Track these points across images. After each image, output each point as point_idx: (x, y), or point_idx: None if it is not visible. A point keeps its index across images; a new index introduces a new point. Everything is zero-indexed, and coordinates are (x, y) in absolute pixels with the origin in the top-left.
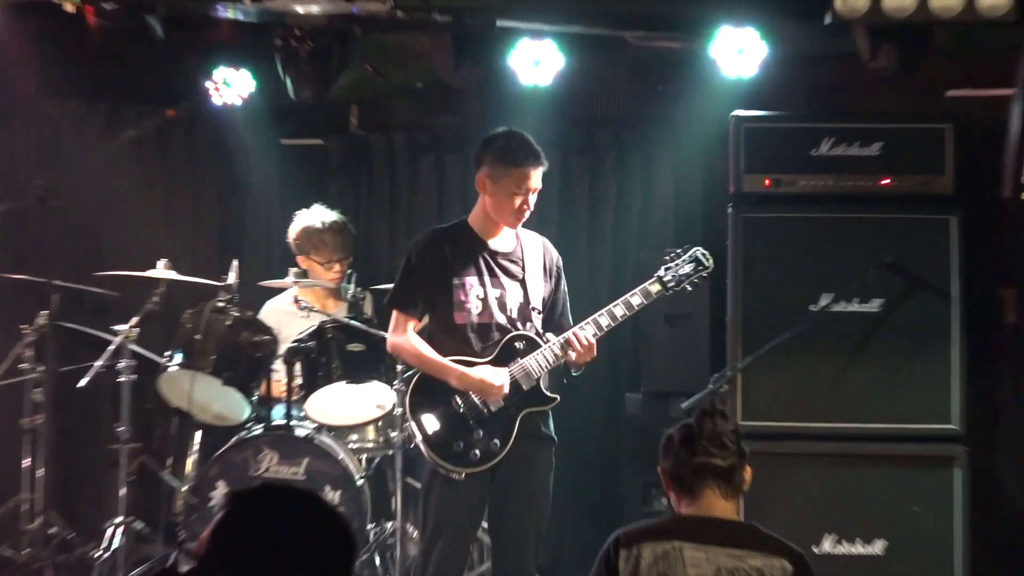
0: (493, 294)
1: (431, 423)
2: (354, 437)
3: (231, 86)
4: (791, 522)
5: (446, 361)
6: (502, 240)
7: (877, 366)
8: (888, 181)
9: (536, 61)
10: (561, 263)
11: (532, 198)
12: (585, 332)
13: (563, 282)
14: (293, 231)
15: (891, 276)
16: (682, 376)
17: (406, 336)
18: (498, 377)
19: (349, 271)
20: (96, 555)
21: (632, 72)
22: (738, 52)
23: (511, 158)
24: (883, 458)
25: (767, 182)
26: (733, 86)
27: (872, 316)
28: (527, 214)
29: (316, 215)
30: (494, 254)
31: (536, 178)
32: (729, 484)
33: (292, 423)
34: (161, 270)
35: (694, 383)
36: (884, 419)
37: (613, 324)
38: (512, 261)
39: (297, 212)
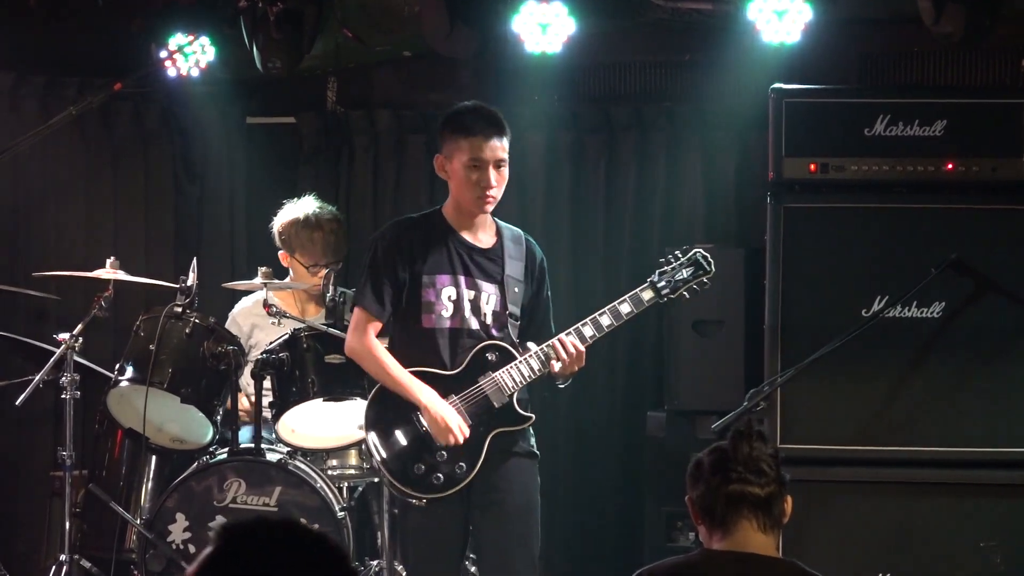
0: (467, 295)
1: (390, 442)
2: (334, 463)
3: (188, 56)
4: (838, 559)
5: (410, 381)
6: (479, 234)
7: (938, 381)
8: (953, 166)
9: (543, 26)
10: (546, 264)
11: (494, 175)
12: (572, 339)
13: (547, 286)
14: (280, 222)
15: (955, 276)
16: (713, 392)
17: (367, 340)
18: (458, 428)
19: (329, 270)
20: None
21: (656, 39)
22: (779, 15)
23: (461, 127)
24: (944, 486)
25: (812, 167)
26: (773, 55)
27: (933, 323)
28: (493, 195)
29: (308, 207)
30: (470, 250)
31: (493, 149)
32: (767, 515)
33: (262, 446)
34: (108, 270)
35: (726, 400)
36: (946, 442)
37: (598, 335)
38: (490, 259)
39: (287, 201)
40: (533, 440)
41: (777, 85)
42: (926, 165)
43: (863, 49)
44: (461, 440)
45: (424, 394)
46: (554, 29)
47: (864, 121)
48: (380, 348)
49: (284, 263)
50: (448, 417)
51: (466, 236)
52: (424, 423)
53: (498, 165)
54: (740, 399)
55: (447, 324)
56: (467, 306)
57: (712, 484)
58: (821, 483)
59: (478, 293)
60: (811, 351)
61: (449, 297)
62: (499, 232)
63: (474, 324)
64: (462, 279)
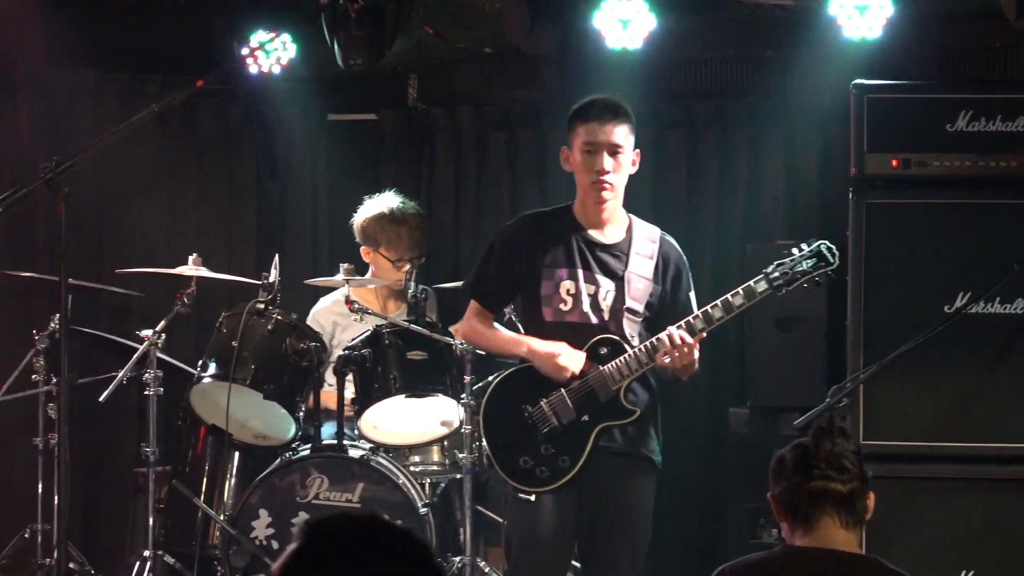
0: (586, 290)
1: (500, 437)
2: (416, 459)
3: (270, 53)
4: (921, 556)
5: (512, 335)
6: (606, 230)
7: (1021, 377)
8: None
9: (624, 22)
10: (685, 265)
11: (608, 160)
12: (681, 332)
13: (685, 288)
14: (363, 217)
15: None
16: (795, 389)
17: (476, 322)
18: (572, 359)
19: (410, 267)
20: None
21: (737, 35)
22: (860, 11)
23: (579, 113)
24: None
25: (894, 163)
26: (854, 50)
27: (1016, 319)
28: (609, 181)
29: (392, 202)
30: (593, 245)
31: (607, 133)
32: (850, 512)
33: (344, 443)
34: (191, 267)
35: (809, 397)
36: None
37: (708, 328)
38: (614, 255)
39: (367, 197)
40: (656, 446)
41: (859, 81)
42: (1008, 160)
43: (944, 44)
44: (577, 370)
45: (527, 344)
46: (635, 25)
47: (946, 117)
48: (490, 324)
49: (366, 259)
50: (557, 353)
51: (591, 232)
52: (530, 416)
53: (613, 151)
54: (822, 395)
55: (566, 318)
56: (586, 300)
57: (794, 481)
58: (904, 480)
59: (597, 288)
60: (893, 347)
61: (568, 291)
62: (630, 229)
63: (593, 319)
64: (580, 273)
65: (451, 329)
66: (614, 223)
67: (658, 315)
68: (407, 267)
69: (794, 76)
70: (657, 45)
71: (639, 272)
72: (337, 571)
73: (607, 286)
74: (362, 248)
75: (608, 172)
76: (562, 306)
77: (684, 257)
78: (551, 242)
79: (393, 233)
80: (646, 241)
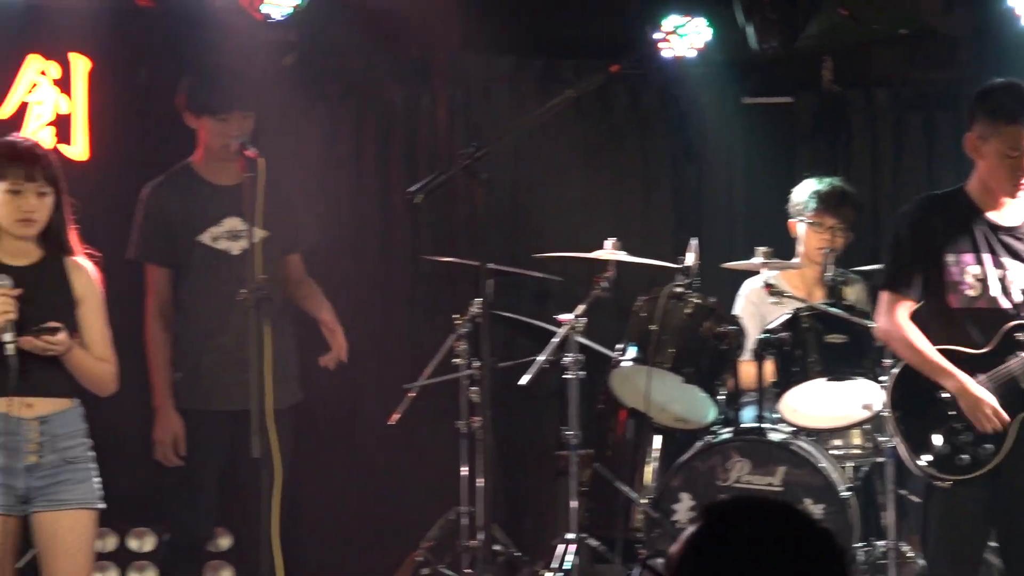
0: (994, 274)
1: (913, 421)
2: (837, 442)
3: (684, 37)
4: None
5: (944, 362)
6: (1006, 213)
7: None
8: None
9: None
10: None
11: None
12: None
13: None
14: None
15: None
16: None
17: (896, 320)
18: (999, 415)
19: (828, 250)
20: None
21: None
22: None
23: (1001, 113)
24: None
25: None
26: None
27: None
28: None
29: (835, 181)
30: (995, 228)
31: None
32: None
33: (765, 426)
34: (609, 251)
35: None
36: None
37: None
38: (1016, 237)
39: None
40: None
41: None
42: None
43: None
44: (1000, 427)
45: (958, 377)
46: None
47: None
48: (910, 328)
49: (793, 234)
50: (987, 402)
51: (990, 215)
52: (952, 403)
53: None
54: None
55: (975, 304)
56: (995, 285)
57: None
58: None
59: (1005, 272)
60: None
61: (975, 276)
62: None
63: (1004, 303)
64: (987, 257)
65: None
66: (1011, 205)
67: None
68: (825, 248)
69: None
70: None
71: None
72: (734, 552)
73: (1015, 269)
74: (789, 221)
75: None
76: (970, 292)
77: None
78: (953, 226)
79: (822, 206)
80: None
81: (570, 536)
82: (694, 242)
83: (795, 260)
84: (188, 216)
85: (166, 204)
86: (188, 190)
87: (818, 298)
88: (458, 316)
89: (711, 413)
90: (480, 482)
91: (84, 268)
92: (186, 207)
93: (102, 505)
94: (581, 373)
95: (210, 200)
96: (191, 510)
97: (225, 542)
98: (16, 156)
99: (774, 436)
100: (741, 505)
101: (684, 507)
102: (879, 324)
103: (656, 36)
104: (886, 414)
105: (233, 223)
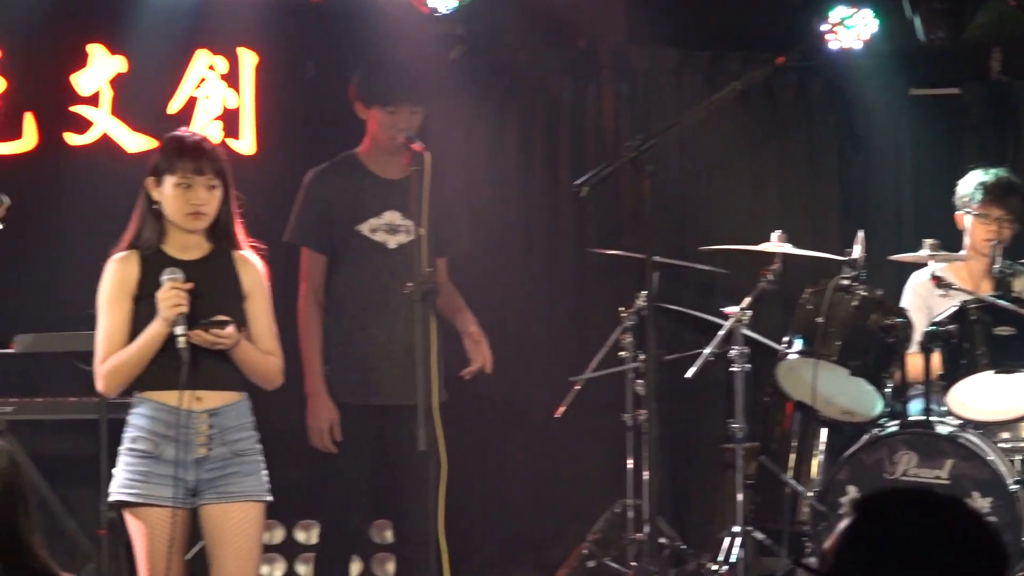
0: None
1: None
2: (1005, 435)
3: (851, 28)
4: None
5: None
6: None
7: None
8: None
9: None
10: None
11: None
12: None
13: None
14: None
15: None
16: None
17: None
18: None
19: (995, 241)
20: (712, 568)
21: None
22: None
23: None
24: None
25: None
26: None
27: None
28: None
29: (1003, 172)
30: None
31: None
32: None
33: (932, 419)
34: (775, 243)
35: None
36: None
37: None
38: None
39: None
40: None
41: None
42: None
43: None
44: None
45: None
46: None
47: None
48: None
49: (960, 226)
50: None
51: None
52: None
53: None
54: None
55: None
56: None
57: None
58: None
59: None
60: None
61: None
62: None
63: None
64: None
65: None
66: None
67: None
68: (992, 240)
69: None
70: None
71: None
72: (890, 545)
73: None
74: (956, 213)
75: None
76: None
77: None
78: None
79: (988, 198)
80: None
81: (736, 529)
82: (861, 234)
83: (962, 252)
84: (349, 205)
85: (328, 190)
86: (351, 179)
87: (986, 290)
88: (624, 309)
89: (878, 406)
90: (646, 475)
91: (251, 262)
92: (348, 196)
93: (270, 498)
94: (747, 366)
95: (373, 191)
96: (344, 503)
97: (388, 535)
98: (185, 150)
99: (941, 429)
100: (897, 496)
101: (849, 500)
102: None
103: (823, 28)
104: None
105: (393, 216)
